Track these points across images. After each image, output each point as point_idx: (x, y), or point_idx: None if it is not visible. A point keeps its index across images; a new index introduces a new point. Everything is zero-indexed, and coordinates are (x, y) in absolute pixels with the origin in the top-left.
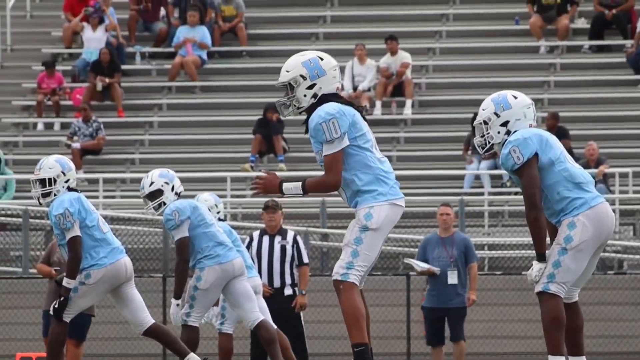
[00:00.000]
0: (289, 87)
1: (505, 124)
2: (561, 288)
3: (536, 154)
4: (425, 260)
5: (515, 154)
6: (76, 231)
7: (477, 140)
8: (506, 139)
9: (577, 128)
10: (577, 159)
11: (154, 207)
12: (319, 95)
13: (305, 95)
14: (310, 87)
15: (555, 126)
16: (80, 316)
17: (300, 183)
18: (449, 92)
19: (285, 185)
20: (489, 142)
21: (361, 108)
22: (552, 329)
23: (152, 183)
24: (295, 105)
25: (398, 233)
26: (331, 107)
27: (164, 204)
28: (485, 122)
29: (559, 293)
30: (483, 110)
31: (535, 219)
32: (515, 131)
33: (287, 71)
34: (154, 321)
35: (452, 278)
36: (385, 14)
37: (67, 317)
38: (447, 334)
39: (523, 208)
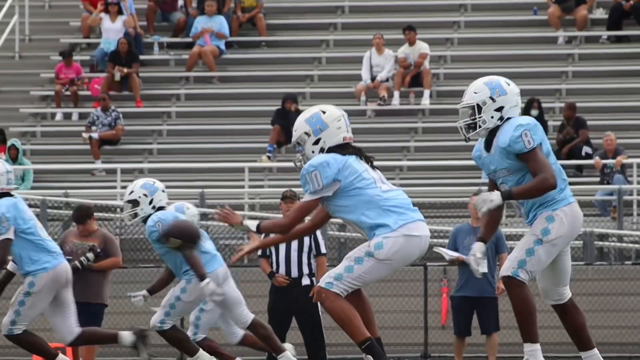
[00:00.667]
0: (299, 145)
1: (500, 109)
2: (528, 276)
3: (540, 143)
4: (456, 249)
5: (526, 137)
6: (9, 235)
7: (465, 122)
8: (498, 125)
9: (595, 118)
10: (595, 149)
11: (128, 216)
12: (326, 148)
13: (313, 152)
14: (316, 142)
15: (572, 117)
16: (92, 305)
17: (256, 222)
18: (467, 82)
19: (245, 221)
20: (480, 126)
21: (359, 151)
22: (524, 317)
23: (131, 192)
24: (305, 162)
25: None
26: (316, 159)
27: (137, 215)
28: (479, 106)
29: (525, 281)
30: (475, 93)
31: (552, 186)
32: (508, 117)
33: (295, 130)
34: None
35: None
36: (404, 4)
37: (19, 330)
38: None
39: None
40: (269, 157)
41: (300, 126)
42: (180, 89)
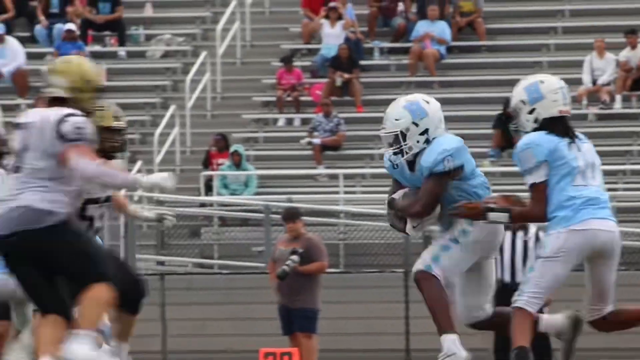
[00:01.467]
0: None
1: (425, 132)
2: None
3: (462, 165)
4: None
5: (448, 163)
6: None
7: (392, 150)
8: (424, 148)
9: None
10: None
11: None
12: (540, 119)
13: (527, 121)
14: (531, 112)
15: None
16: (305, 310)
17: (507, 213)
18: None
19: (490, 215)
20: (407, 152)
21: (573, 134)
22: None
23: None
24: (521, 131)
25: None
26: (532, 136)
27: None
28: (403, 133)
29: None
30: (397, 120)
31: (415, 214)
32: (434, 138)
33: (512, 97)
34: None
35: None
36: (626, 7)
37: None
38: None
39: None
40: (491, 162)
41: (517, 94)
42: (401, 94)
